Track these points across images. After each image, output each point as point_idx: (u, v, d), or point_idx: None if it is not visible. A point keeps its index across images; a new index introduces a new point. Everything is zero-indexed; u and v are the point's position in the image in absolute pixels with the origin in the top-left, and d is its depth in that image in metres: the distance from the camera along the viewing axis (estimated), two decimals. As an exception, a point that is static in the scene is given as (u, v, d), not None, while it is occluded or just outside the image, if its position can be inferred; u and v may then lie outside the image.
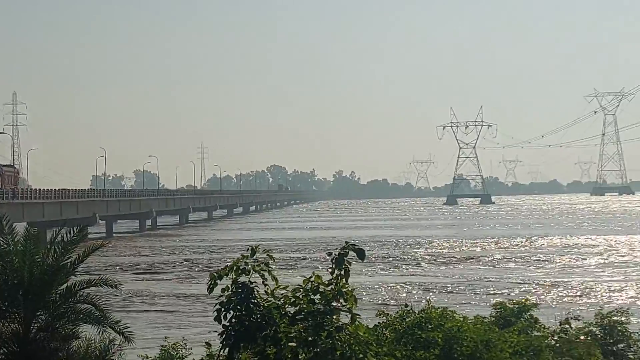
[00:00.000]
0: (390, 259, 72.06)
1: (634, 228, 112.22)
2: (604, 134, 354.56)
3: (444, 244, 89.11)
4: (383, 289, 50.66)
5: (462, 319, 15.36)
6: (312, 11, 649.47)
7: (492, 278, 55.93)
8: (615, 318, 20.00)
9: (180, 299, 49.88)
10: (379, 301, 43.65)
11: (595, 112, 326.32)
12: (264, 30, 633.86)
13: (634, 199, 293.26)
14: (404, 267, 65.58)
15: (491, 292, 48.00)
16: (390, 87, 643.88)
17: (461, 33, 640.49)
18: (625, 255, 70.18)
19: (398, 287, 51.25)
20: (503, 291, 48.30)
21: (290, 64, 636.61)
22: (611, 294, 46.96)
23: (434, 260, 70.70)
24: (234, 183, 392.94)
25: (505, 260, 69.24)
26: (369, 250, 79.70)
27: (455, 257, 72.53)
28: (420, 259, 71.49)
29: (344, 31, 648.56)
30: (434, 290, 49.53)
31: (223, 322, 9.62)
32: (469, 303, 43.58)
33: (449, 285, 52.69)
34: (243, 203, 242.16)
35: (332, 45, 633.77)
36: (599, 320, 19.93)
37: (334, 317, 9.37)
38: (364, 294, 44.90)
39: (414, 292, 48.70)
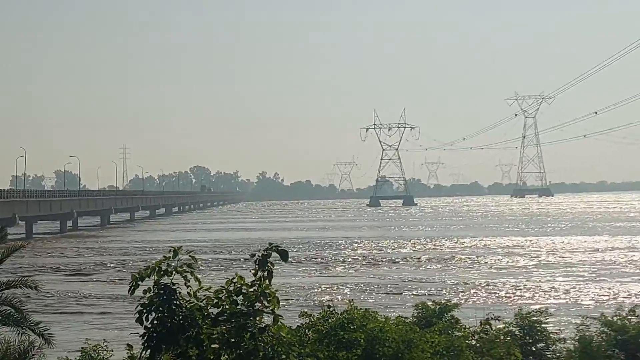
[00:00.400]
0: (319, 260, 72.24)
1: (556, 229, 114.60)
2: (524, 137, 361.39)
3: (369, 245, 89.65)
4: (315, 289, 50.75)
5: (384, 320, 15.45)
6: (231, 8, 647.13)
7: (417, 279, 56.45)
8: (534, 318, 20.41)
9: (103, 300, 49.29)
10: (311, 302, 43.67)
11: (516, 115, 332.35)
12: (186, 28, 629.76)
13: (554, 201, 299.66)
14: (332, 268, 65.79)
15: (415, 293, 48.43)
16: (314, 88, 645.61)
17: (385, 35, 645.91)
18: (548, 256, 71.54)
19: (326, 288, 51.40)
20: (426, 291, 48.80)
21: (213, 62, 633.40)
22: (534, 294, 47.81)
23: (361, 261, 71.08)
24: (157, 184, 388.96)
25: (429, 261, 69.95)
26: (297, 251, 79.93)
27: (381, 258, 73.04)
28: (348, 260, 71.78)
29: (268, 30, 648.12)
30: (361, 291, 49.80)
31: (145, 323, 9.52)
32: (393, 304, 43.89)
33: (375, 285, 53.01)
34: (165, 204, 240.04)
35: (257, 44, 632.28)
36: (519, 321, 20.32)
37: (257, 318, 9.34)
38: (298, 295, 44.92)
39: (342, 292, 48.89)
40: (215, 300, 9.59)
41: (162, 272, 9.59)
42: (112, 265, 72.26)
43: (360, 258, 73.77)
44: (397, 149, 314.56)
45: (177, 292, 9.62)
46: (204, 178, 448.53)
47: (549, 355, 19.99)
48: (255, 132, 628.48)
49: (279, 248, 9.72)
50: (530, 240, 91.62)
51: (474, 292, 48.58)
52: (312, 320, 15.53)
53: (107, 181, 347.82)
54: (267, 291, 9.49)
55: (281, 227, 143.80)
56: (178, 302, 9.54)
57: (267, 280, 9.62)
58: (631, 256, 70.09)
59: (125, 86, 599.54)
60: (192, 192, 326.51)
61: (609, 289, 49.26)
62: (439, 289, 50.51)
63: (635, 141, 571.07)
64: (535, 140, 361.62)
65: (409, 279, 56.65)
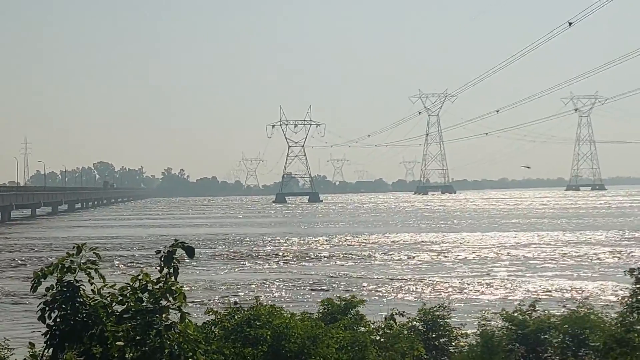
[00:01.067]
0: (234, 256, 71.99)
1: (464, 226, 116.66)
2: (427, 134, 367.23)
3: (280, 241, 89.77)
4: (234, 285, 50.55)
5: (289, 316, 15.49)
6: (143, 2, 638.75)
7: (328, 274, 56.75)
8: (437, 313, 20.75)
9: (8, 297, 48.17)
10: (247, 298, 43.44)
11: (420, 112, 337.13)
12: (93, 20, 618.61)
13: (456, 198, 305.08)
14: (250, 264, 65.66)
15: (322, 288, 48.66)
16: (220, 84, 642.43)
17: (291, 33, 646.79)
18: (454, 252, 72.71)
19: (254, 284, 51.33)
20: (333, 287, 49.09)
21: (119, 56, 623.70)
22: (438, 289, 48.55)
23: (280, 256, 71.11)
24: (59, 180, 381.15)
25: (338, 257, 70.37)
26: (211, 247, 79.55)
27: (291, 254, 73.18)
28: (261, 256, 71.71)
29: (177, 24, 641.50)
30: (289, 287, 49.94)
31: (47, 321, 9.32)
32: (302, 300, 44.04)
33: (285, 281, 53.09)
34: (68, 200, 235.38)
35: (164, 39, 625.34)
36: (422, 316, 20.63)
37: (163, 315, 9.24)
38: (226, 291, 44.61)
39: (269, 288, 48.86)
40: (120, 298, 9.44)
41: (65, 269, 9.40)
42: (13, 262, 70.49)
43: (278, 254, 73.75)
44: (303, 146, 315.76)
45: (81, 289, 9.44)
46: (108, 174, 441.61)
47: (451, 350, 20.35)
48: (161, 127, 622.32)
49: (185, 244, 9.63)
50: (442, 237, 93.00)
51: (381, 288, 49.08)
52: (219, 316, 15.47)
53: (8, 177, 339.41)
54: (174, 288, 9.40)
55: (190, 223, 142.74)
56: (82, 300, 9.36)
57: (173, 277, 9.52)
58: (538, 252, 71.83)
59: (28, 78, 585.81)
60: (96, 189, 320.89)
61: (516, 283, 50.38)
62: (346, 284, 50.86)
63: (536, 139, 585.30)
64: (438, 138, 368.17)
65: (332, 274, 56.83)
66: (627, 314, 19.63)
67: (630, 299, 19.86)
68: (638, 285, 19.58)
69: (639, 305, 19.65)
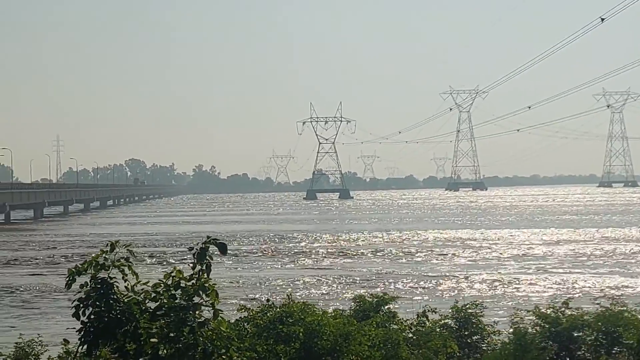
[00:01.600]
0: (267, 253, 72.20)
1: (504, 222, 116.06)
2: (458, 131, 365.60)
3: (318, 237, 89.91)
4: (268, 282, 50.66)
5: (322, 313, 15.48)
6: (167, 4, 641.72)
7: (363, 271, 56.74)
8: (470, 311, 20.65)
9: (45, 293, 48.68)
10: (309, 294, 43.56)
11: (451, 109, 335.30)
12: (121, 20, 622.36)
13: (488, 195, 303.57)
14: (297, 260, 65.82)
15: (357, 285, 48.58)
16: (250, 81, 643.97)
17: (323, 29, 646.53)
18: (490, 250, 72.35)
19: (273, 281, 51.45)
20: (368, 284, 49.03)
21: (146, 55, 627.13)
22: (473, 286, 48.32)
23: (324, 253, 71.21)
24: (91, 177, 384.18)
25: (372, 253, 70.33)
26: (244, 244, 79.91)
27: (343, 250, 73.29)
28: (309, 253, 71.83)
29: (203, 25, 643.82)
30: (343, 283, 50.03)
31: (82, 318, 9.38)
32: (336, 297, 44.05)
33: (349, 278, 53.09)
34: (100, 197, 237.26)
35: (192, 38, 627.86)
36: (455, 313, 20.54)
37: (196, 312, 9.27)
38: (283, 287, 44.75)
39: (322, 284, 49.04)
40: (154, 295, 9.48)
41: (99, 266, 9.46)
42: (46, 258, 71.13)
43: (312, 251, 73.76)
44: (333, 143, 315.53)
45: (115, 286, 9.50)
46: (140, 171, 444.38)
47: (484, 347, 20.25)
48: (192, 125, 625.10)
49: (217, 241, 9.65)
50: (477, 234, 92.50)
51: (417, 285, 48.98)
52: (251, 314, 15.50)
53: (41, 174, 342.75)
54: (207, 285, 9.42)
55: (222, 220, 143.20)
56: (115, 297, 9.42)
57: (205, 274, 9.54)
58: (571, 249, 71.31)
59: (60, 78, 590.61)
60: (127, 185, 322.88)
61: (550, 281, 50.04)
62: (382, 281, 50.79)
63: (567, 135, 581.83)
64: (469, 134, 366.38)
65: (378, 271, 56.74)
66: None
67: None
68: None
69: (674, 303, 19.45)
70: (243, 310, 15.79)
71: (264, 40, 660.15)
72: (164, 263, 62.79)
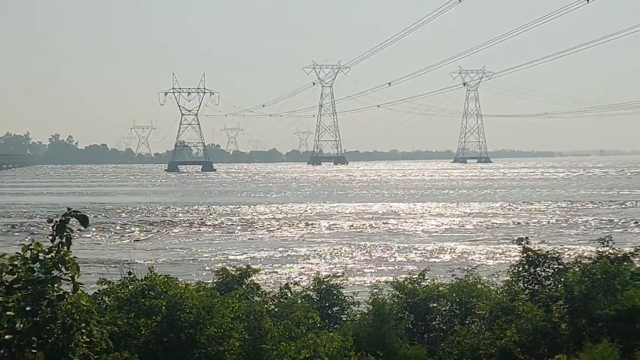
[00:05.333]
0: (129, 225, 71.06)
1: (356, 197, 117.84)
2: (321, 105, 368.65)
3: (174, 211, 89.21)
4: (130, 254, 49.79)
5: (184, 286, 15.40)
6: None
7: (224, 244, 56.65)
8: (331, 283, 20.99)
9: None
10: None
11: (314, 83, 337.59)
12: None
13: (349, 168, 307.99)
14: (143, 232, 64.93)
15: (220, 259, 48.50)
16: (111, 49, 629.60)
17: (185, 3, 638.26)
18: (350, 222, 73.40)
19: (136, 253, 50.67)
20: (234, 257, 49.03)
21: (5, 19, 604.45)
22: (335, 259, 48.97)
23: (168, 225, 70.54)
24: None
25: (233, 226, 70.30)
26: (107, 217, 78.10)
27: (186, 223, 72.82)
28: (156, 225, 71.04)
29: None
30: (166, 256, 49.48)
31: None
32: (198, 270, 43.86)
33: (181, 251, 52.77)
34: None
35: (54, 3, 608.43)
36: (317, 285, 20.83)
37: (55, 285, 9.06)
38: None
39: (150, 257, 48.39)
40: (10, 268, 9.21)
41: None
42: None
43: (172, 222, 73.15)
44: (196, 114, 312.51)
45: (-31, 260, 9.17)
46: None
47: (344, 318, 20.63)
48: (49, 92, 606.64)
49: (78, 213, 9.44)
50: (338, 207, 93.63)
51: (296, 257, 49.30)
52: (112, 287, 15.27)
53: None
54: (66, 258, 9.21)
55: (86, 192, 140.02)
56: (-31, 270, 9.09)
57: (65, 247, 9.33)
58: (428, 222, 73.15)
59: None
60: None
61: (408, 253, 51.25)
62: (244, 254, 50.87)
63: (425, 112, 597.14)
64: (331, 109, 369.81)
65: (242, 240, 56.68)
66: (513, 282, 20.28)
67: (516, 268, 20.51)
68: (524, 255, 20.23)
69: (524, 274, 20.32)
70: (103, 284, 15.54)
71: (128, 8, 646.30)
72: (22, 235, 60.96)
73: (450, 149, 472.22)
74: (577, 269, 19.04)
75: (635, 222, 69.39)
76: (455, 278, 21.66)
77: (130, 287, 15.00)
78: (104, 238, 61.75)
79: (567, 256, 20.66)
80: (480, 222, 72.56)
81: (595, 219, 73.56)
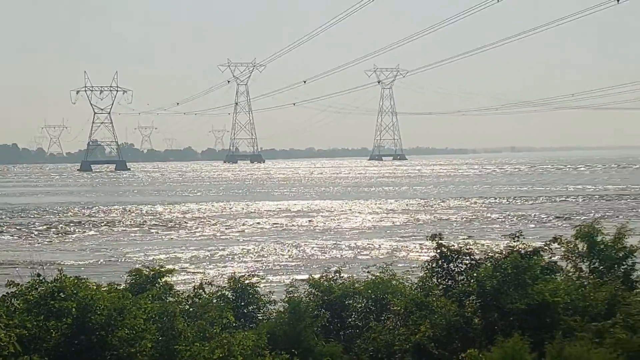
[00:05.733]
0: (38, 227, 69.54)
1: (271, 195, 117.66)
2: (236, 103, 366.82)
3: (85, 212, 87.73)
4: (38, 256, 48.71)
5: (95, 287, 15.12)
6: None
7: (139, 244, 55.95)
8: (247, 282, 20.87)
9: None
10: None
11: (229, 81, 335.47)
12: None
13: (265, 167, 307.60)
14: (53, 234, 63.70)
15: (135, 260, 47.82)
16: (21, 48, 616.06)
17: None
18: (265, 220, 73.21)
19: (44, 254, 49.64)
20: (149, 257, 48.45)
21: None
22: (250, 258, 48.76)
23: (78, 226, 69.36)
24: None
25: (146, 226, 69.49)
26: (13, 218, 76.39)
27: (103, 222, 71.69)
28: (65, 226, 69.71)
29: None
30: (77, 256, 48.66)
31: None
32: (110, 271, 43.20)
33: (92, 252, 51.94)
34: None
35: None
36: (232, 285, 20.68)
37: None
38: None
39: (60, 257, 47.49)
40: None
41: None
42: None
43: (82, 223, 71.91)
44: (109, 113, 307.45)
45: None
46: None
47: (260, 317, 20.54)
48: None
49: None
50: (253, 206, 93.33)
51: (210, 256, 48.89)
52: (20, 289, 14.89)
53: None
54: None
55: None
56: None
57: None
58: (345, 219, 73.43)
59: None
60: None
61: (325, 250, 51.38)
62: (172, 253, 50.29)
63: (341, 110, 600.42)
64: (247, 107, 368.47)
65: (138, 244, 55.95)
66: (427, 278, 20.47)
67: (430, 264, 20.72)
68: (438, 251, 20.45)
69: (438, 269, 20.54)
70: (12, 286, 15.14)
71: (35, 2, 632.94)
72: None
73: (366, 147, 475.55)
74: (488, 264, 19.32)
75: (547, 217, 70.99)
76: (371, 275, 21.74)
77: (39, 289, 14.66)
78: (14, 239, 60.41)
79: (480, 252, 20.90)
80: (396, 218, 73.24)
81: (508, 214, 75.00)
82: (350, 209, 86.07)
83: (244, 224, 70.70)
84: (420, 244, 50.14)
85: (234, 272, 22.45)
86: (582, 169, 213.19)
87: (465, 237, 24.75)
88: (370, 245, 53.39)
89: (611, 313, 17.68)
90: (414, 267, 23.71)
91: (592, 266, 21.63)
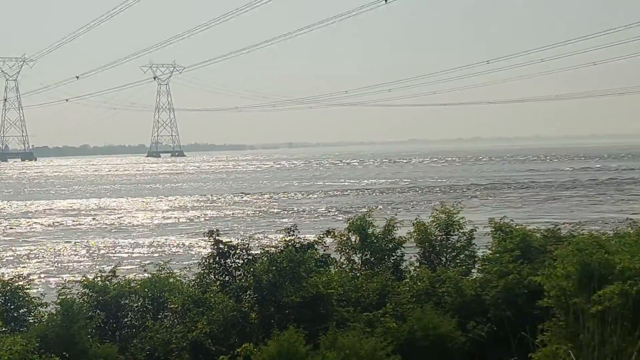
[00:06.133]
0: None
1: (40, 194, 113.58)
2: (5, 100, 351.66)
3: None
4: None
5: None
6: None
7: None
8: (16, 284, 20.02)
9: None
10: None
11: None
12: None
13: (37, 165, 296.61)
14: None
15: None
16: None
17: None
18: (34, 221, 70.63)
19: None
20: None
21: None
22: (21, 259, 46.90)
23: None
24: None
25: None
26: None
27: None
28: None
29: None
30: None
31: None
32: None
33: None
34: None
35: None
36: (1, 288, 19.78)
37: None
38: None
39: None
40: None
41: None
42: None
43: None
44: None
45: None
46: None
47: (30, 320, 19.78)
48: None
49: None
50: (32, 204, 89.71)
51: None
52: None
53: None
54: None
55: None
56: None
57: None
58: (122, 217, 72.10)
59: None
60: None
61: (102, 249, 50.28)
62: None
63: (116, 106, 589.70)
64: (17, 104, 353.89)
65: None
66: (205, 274, 20.48)
67: (207, 260, 20.73)
68: (215, 247, 20.47)
69: (215, 265, 20.58)
70: None
71: None
72: None
73: (144, 143, 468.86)
74: (265, 259, 19.56)
75: (323, 210, 72.86)
76: (148, 273, 21.47)
77: None
78: None
79: (257, 246, 21.15)
80: (176, 215, 72.82)
81: (285, 210, 76.34)
82: (131, 207, 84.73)
83: (18, 225, 67.84)
84: (198, 241, 50.09)
85: (2, 275, 21.45)
86: (355, 163, 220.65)
87: (243, 232, 24.99)
88: (149, 243, 52.84)
89: (382, 303, 18.41)
90: (192, 264, 23.60)
91: (364, 258, 22.41)
